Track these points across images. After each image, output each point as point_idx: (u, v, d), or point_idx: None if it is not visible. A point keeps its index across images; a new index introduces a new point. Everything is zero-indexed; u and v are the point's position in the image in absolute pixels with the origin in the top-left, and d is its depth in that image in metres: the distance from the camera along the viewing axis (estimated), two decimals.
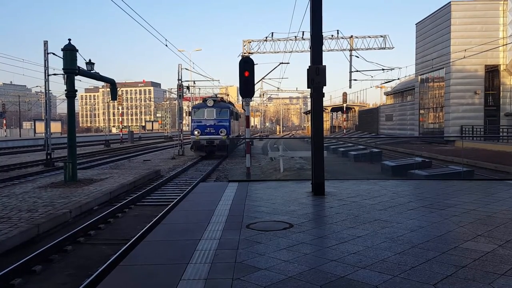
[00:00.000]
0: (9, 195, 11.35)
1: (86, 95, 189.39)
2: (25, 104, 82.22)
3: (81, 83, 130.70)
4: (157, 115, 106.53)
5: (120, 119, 59.32)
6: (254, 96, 16.93)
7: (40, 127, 49.28)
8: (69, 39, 13.87)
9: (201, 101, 29.97)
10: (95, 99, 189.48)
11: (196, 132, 25.74)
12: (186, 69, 38.41)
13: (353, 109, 72.15)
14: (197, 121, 26.31)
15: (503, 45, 31.62)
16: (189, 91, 38.08)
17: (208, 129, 25.75)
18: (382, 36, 33.57)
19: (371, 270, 3.95)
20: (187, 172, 18.66)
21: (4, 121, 71.42)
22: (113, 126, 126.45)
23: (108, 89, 22.37)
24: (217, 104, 26.79)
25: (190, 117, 28.27)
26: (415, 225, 5.62)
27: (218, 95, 29.98)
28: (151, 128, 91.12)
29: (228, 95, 36.36)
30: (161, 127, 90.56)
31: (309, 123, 10.56)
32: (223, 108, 26.71)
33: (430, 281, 3.67)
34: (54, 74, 26.38)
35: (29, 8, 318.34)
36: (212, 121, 25.99)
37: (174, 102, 68.02)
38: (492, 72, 33.35)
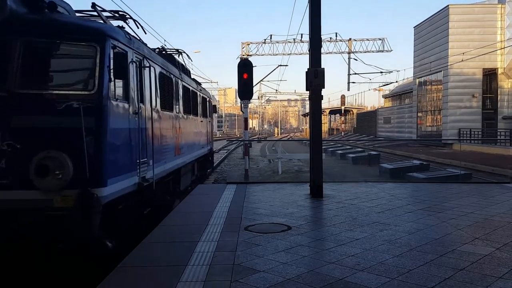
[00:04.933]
0: None
1: None
2: None
3: None
4: None
5: None
6: (253, 98, 16.93)
7: None
8: None
9: None
10: None
11: None
12: None
13: (351, 112, 72.26)
14: None
15: (501, 49, 31.71)
16: None
17: None
18: (380, 39, 33.77)
19: (369, 273, 3.96)
20: None
21: None
22: None
23: None
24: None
25: None
26: (413, 228, 5.64)
27: None
28: None
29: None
30: None
31: (308, 125, 10.57)
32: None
33: (428, 283, 3.68)
34: None
35: None
36: None
37: None
38: (490, 75, 33.44)
